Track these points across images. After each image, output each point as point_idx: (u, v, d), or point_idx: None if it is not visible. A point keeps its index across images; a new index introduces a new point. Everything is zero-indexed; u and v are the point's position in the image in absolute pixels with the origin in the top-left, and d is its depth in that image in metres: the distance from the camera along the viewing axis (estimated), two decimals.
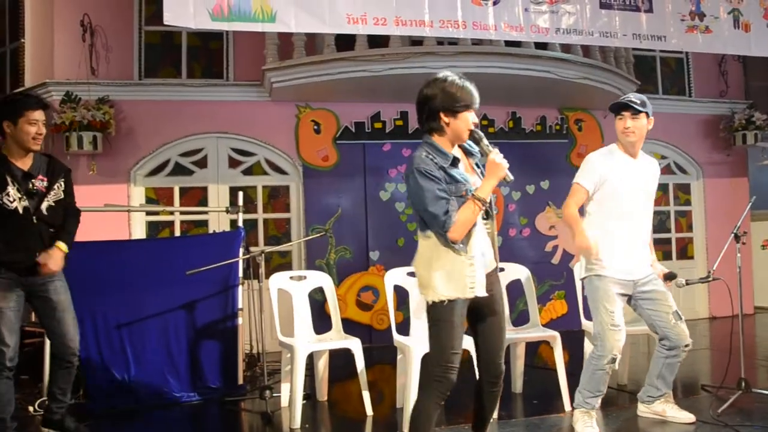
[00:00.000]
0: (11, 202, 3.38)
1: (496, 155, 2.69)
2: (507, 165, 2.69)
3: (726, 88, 8.78)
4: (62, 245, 3.54)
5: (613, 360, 3.47)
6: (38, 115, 3.40)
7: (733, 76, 8.86)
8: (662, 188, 8.56)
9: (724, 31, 6.17)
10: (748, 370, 4.18)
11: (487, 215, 2.82)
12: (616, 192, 3.56)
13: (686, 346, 3.58)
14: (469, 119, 2.72)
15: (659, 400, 3.73)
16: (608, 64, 7.28)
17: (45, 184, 3.51)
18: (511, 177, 2.72)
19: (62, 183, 3.60)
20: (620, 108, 3.58)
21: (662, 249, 8.47)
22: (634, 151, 3.65)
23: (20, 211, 3.41)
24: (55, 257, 3.48)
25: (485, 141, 2.75)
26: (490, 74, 6.48)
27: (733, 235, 4.17)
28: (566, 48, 6.80)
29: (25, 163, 3.46)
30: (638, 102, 3.55)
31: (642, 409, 3.82)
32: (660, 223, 8.53)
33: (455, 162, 2.73)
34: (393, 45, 6.41)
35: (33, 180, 3.46)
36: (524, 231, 7.61)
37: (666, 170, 8.61)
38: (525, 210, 7.62)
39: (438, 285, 2.68)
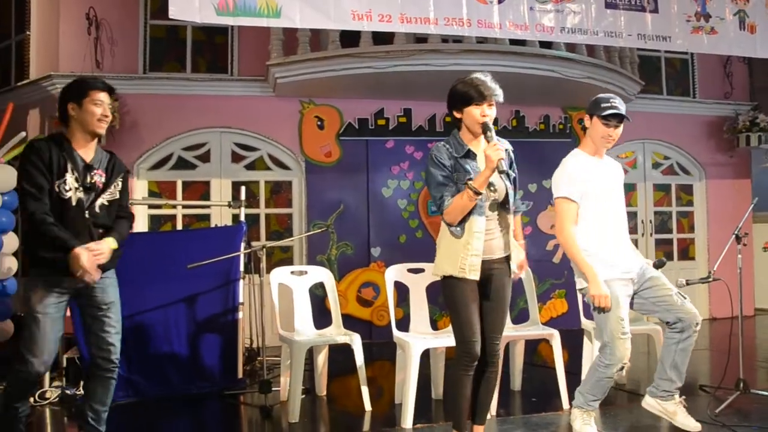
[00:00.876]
0: (66, 191, 3.04)
1: (488, 147, 2.88)
2: (498, 156, 2.84)
3: (731, 89, 8.78)
4: (112, 240, 3.11)
5: (622, 368, 3.40)
6: (104, 96, 3.12)
7: (738, 78, 8.85)
8: (665, 188, 8.58)
9: (730, 33, 6.16)
10: (746, 371, 4.20)
11: (502, 206, 3.07)
12: (598, 194, 3.49)
13: (696, 324, 3.45)
14: (474, 113, 2.97)
15: (674, 399, 3.58)
16: (613, 64, 7.28)
17: (103, 179, 3.17)
18: (503, 167, 2.87)
19: (119, 183, 3.26)
20: (613, 116, 3.44)
21: (664, 249, 8.49)
22: (602, 152, 3.58)
23: (73, 202, 3.07)
24: (102, 249, 3.04)
25: (489, 134, 2.93)
26: (494, 72, 6.38)
27: (734, 236, 4.17)
28: (571, 47, 6.80)
29: (87, 154, 3.14)
30: (623, 109, 3.45)
31: (650, 403, 3.64)
32: (662, 224, 8.54)
33: (469, 154, 3.02)
34: (398, 42, 6.42)
35: (92, 173, 3.13)
36: (525, 229, 7.61)
37: (669, 171, 8.63)
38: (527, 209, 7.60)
39: (437, 261, 3.09)
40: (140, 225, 6.81)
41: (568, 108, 7.90)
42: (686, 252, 8.65)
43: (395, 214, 7.27)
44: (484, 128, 2.95)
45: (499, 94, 3.01)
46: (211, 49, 7.27)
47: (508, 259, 3.12)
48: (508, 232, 3.10)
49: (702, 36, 6.16)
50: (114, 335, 3.19)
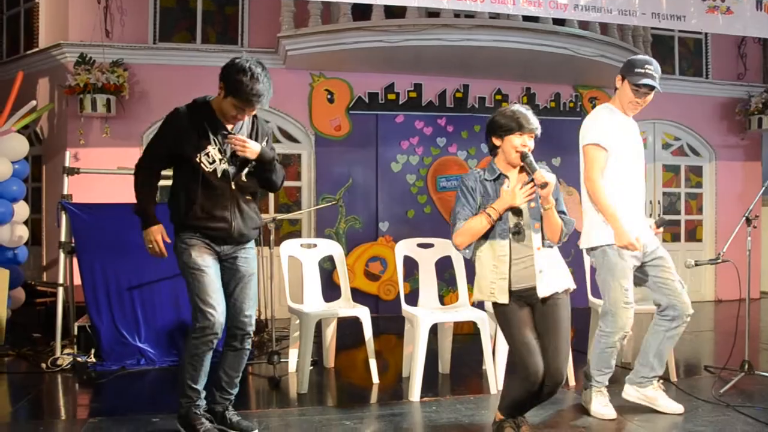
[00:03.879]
0: (210, 164, 2.99)
1: (518, 188, 2.87)
2: (524, 197, 2.86)
3: (744, 70, 8.70)
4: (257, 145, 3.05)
5: (624, 337, 3.42)
6: (249, 109, 2.98)
7: (752, 59, 8.76)
8: (674, 170, 8.55)
9: (746, 12, 6.08)
10: (752, 353, 4.23)
11: (517, 233, 2.92)
12: (622, 152, 3.41)
13: (688, 316, 3.45)
14: (513, 142, 2.92)
15: (652, 384, 3.57)
16: (626, 43, 7.22)
17: None
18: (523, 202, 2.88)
19: (266, 143, 3.16)
20: (645, 85, 3.35)
21: (671, 231, 8.50)
22: (628, 112, 3.51)
23: (219, 174, 3.01)
24: (250, 145, 2.99)
25: (529, 160, 2.89)
26: (506, 48, 6.45)
27: (744, 218, 4.16)
28: (584, 25, 6.74)
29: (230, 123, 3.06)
30: (658, 77, 3.37)
31: (630, 393, 3.62)
32: (670, 205, 8.52)
33: (500, 178, 3.00)
34: (410, 16, 6.37)
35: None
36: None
37: (678, 152, 8.59)
38: None
39: (474, 289, 3.04)
40: None
41: (579, 86, 7.85)
42: (693, 234, 8.65)
43: (404, 188, 7.28)
44: (524, 156, 2.90)
45: (538, 127, 2.96)
46: (221, 20, 7.22)
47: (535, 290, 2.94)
48: (548, 264, 2.95)
49: (717, 16, 6.09)
50: (252, 305, 3.21)
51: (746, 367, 4.08)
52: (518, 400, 2.95)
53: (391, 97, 7.25)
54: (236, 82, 2.91)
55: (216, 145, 3.01)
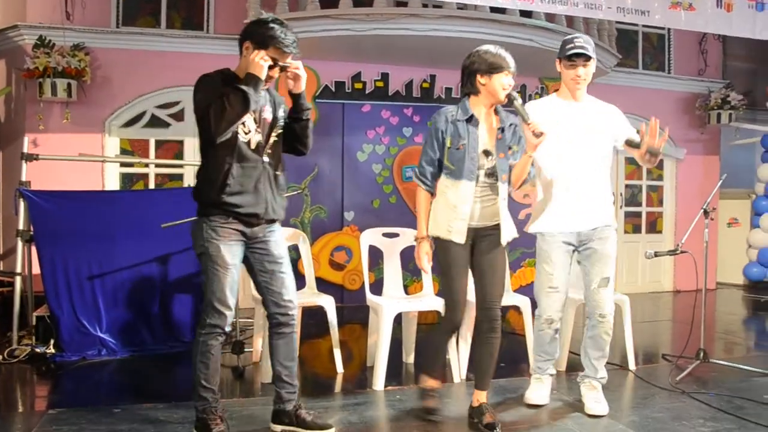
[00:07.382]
0: (246, 133, 2.86)
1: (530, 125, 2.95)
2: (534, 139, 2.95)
3: (705, 66, 8.88)
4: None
5: (549, 322, 3.39)
6: (284, 59, 2.85)
7: (712, 55, 8.95)
8: (636, 162, 8.65)
9: (707, 9, 6.22)
10: (707, 342, 4.35)
11: (494, 175, 3.05)
12: (559, 138, 3.29)
13: (601, 315, 3.35)
14: (502, 80, 2.99)
15: (584, 383, 3.49)
16: (591, 36, 7.28)
17: (271, 115, 2.96)
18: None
19: (282, 114, 3.04)
20: (577, 56, 3.32)
21: (632, 222, 8.66)
22: (578, 95, 3.45)
23: (252, 146, 2.89)
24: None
25: (519, 103, 2.98)
26: (472, 40, 6.45)
27: (702, 210, 4.26)
28: (550, 17, 6.80)
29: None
30: (590, 48, 3.32)
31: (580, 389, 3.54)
32: (632, 197, 8.69)
33: (471, 119, 3.03)
34: (377, 5, 6.35)
35: (262, 110, 2.92)
36: None
37: None
38: None
39: (430, 222, 3.13)
40: (111, 183, 6.71)
41: (545, 78, 7.92)
42: (654, 225, 8.83)
43: (369, 178, 7.27)
44: (512, 96, 2.99)
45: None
46: (186, 5, 7.09)
47: (498, 227, 3.10)
48: (498, 201, 3.06)
49: (680, 12, 6.21)
50: (293, 286, 3.10)
51: (701, 355, 4.19)
52: (440, 344, 3.26)
53: (358, 86, 7.22)
54: (268, 35, 2.80)
55: (252, 114, 2.86)
